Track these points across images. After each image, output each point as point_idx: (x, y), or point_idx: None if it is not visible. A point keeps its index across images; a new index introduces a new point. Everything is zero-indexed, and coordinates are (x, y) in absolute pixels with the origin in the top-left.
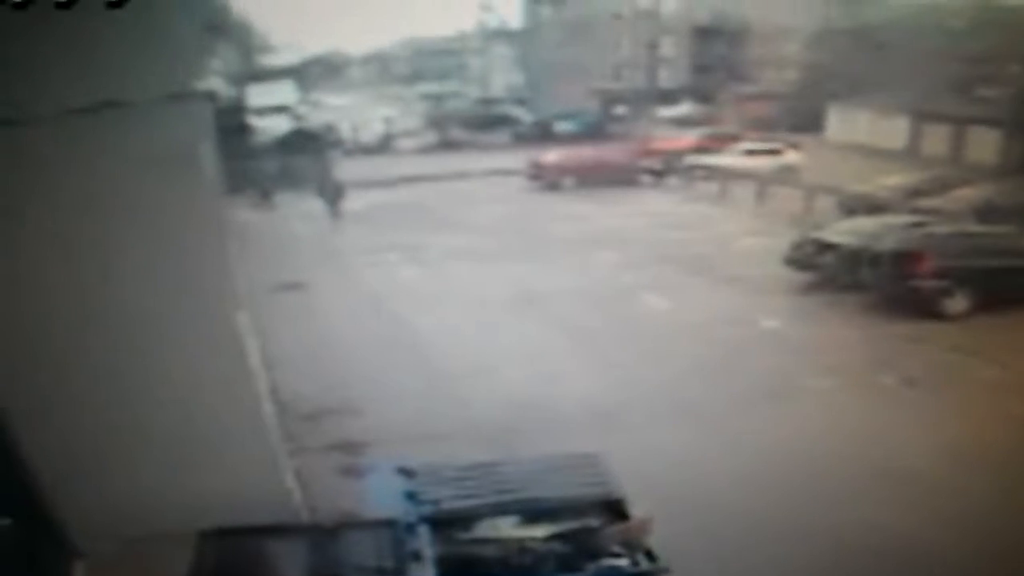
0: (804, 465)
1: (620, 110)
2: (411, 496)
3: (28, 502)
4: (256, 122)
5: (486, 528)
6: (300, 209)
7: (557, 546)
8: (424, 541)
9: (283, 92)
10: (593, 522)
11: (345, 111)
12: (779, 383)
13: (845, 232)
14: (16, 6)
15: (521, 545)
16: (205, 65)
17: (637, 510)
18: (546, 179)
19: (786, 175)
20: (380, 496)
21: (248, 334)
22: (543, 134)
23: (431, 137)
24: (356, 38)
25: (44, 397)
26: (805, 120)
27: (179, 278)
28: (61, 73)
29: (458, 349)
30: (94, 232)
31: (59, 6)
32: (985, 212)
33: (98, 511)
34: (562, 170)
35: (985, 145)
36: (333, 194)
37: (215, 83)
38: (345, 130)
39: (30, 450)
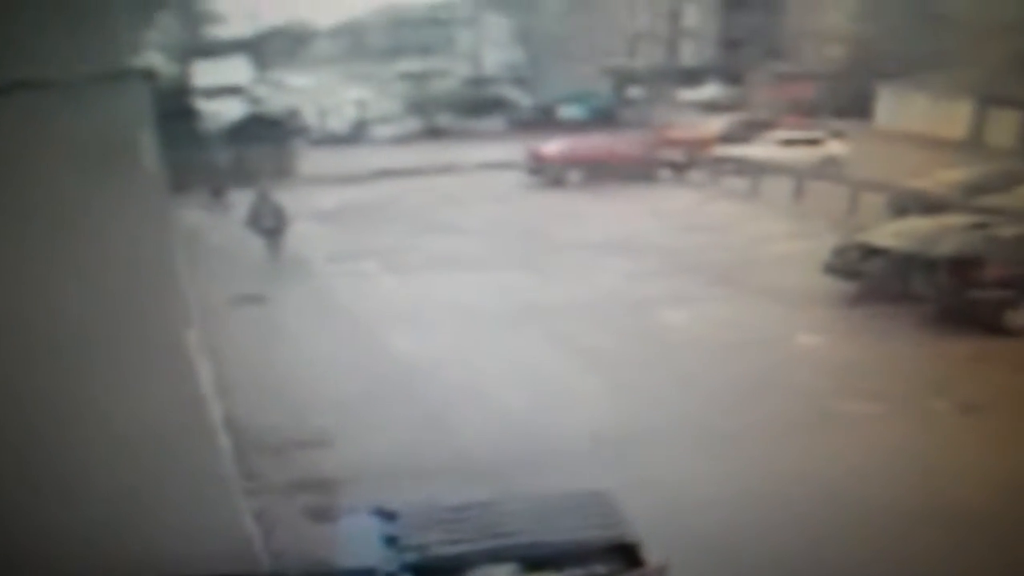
0: (846, 506)
1: (635, 92)
2: (392, 541)
3: None
4: (205, 106)
5: None
6: None
7: None
8: None
9: (236, 70)
10: (602, 570)
11: (311, 93)
12: (817, 410)
13: (895, 235)
14: None
15: None
16: (142, 38)
17: (653, 556)
18: (548, 173)
19: (828, 169)
20: (355, 542)
21: (200, 355)
22: (545, 120)
23: (412, 124)
24: (323, 5)
25: None
26: (851, 104)
27: (117, 291)
28: None
29: (446, 372)
30: (11, 237)
31: None
32: None
33: (28, 557)
34: (567, 163)
35: None
36: (273, 221)
37: (154, 59)
38: (311, 115)
39: None
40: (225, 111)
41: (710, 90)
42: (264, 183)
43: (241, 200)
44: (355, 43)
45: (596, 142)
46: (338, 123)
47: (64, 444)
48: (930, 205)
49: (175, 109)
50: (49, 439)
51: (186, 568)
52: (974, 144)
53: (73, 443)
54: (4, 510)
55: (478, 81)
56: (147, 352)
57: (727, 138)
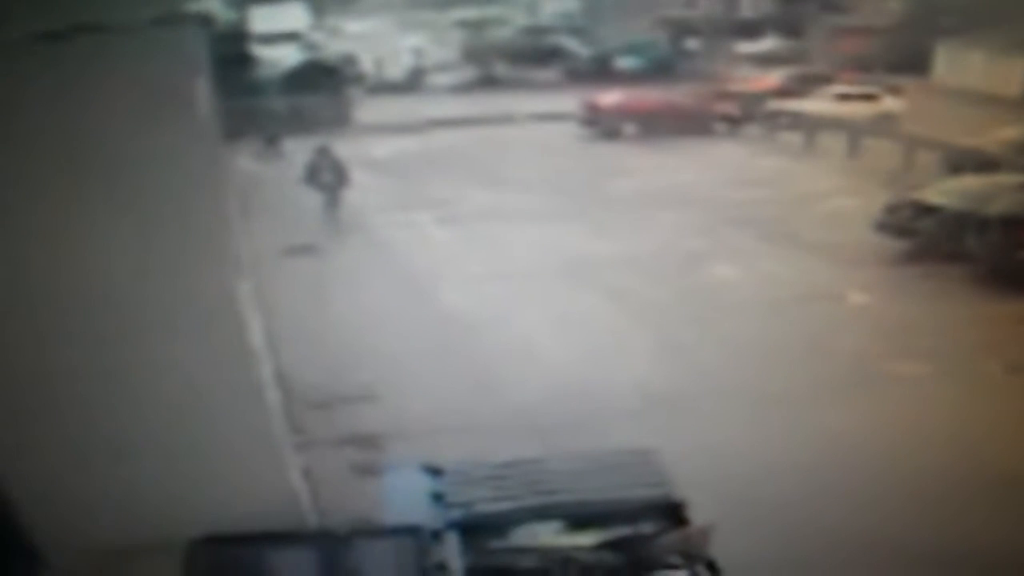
0: (894, 469)
1: (693, 44)
2: (438, 498)
3: None
4: (261, 52)
5: (524, 535)
6: None
7: (606, 556)
8: (452, 550)
9: (293, 16)
10: (647, 529)
11: (367, 40)
12: (868, 369)
13: (949, 193)
14: None
15: (565, 555)
16: None
17: (698, 516)
18: (604, 125)
19: (883, 125)
20: (401, 498)
21: (251, 308)
22: (601, 71)
23: (468, 73)
24: None
25: (7, 383)
26: (908, 60)
27: (169, 241)
28: None
29: (495, 327)
30: (67, 184)
31: None
32: None
33: (71, 518)
34: (623, 115)
35: None
36: (333, 177)
37: (211, 4)
38: (367, 63)
39: None
40: (281, 57)
41: (767, 43)
42: (324, 138)
43: (295, 149)
44: None
45: (652, 94)
46: (394, 71)
47: (112, 398)
48: (984, 163)
49: (231, 55)
50: (96, 392)
51: (234, 523)
52: None
53: (121, 396)
54: (54, 467)
55: (535, 30)
56: (197, 304)
57: (783, 92)
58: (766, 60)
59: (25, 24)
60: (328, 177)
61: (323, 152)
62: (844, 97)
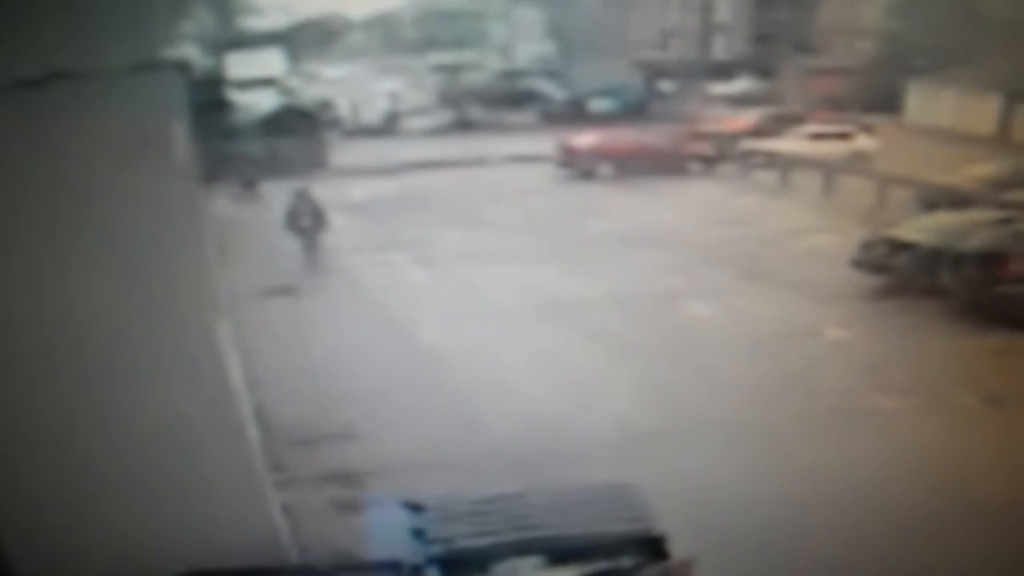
0: (873, 501)
1: (667, 86)
2: (419, 534)
3: None
4: (238, 97)
5: (505, 570)
6: (289, 201)
7: None
8: None
9: (269, 62)
10: (628, 563)
11: (343, 84)
12: (845, 404)
13: (924, 229)
14: None
15: None
16: (176, 29)
17: (679, 549)
18: (579, 166)
19: (857, 163)
20: (383, 534)
21: (230, 347)
22: (576, 113)
23: (444, 116)
24: None
25: None
26: (881, 99)
27: (150, 282)
28: (3, 38)
29: (473, 365)
30: (47, 228)
31: None
32: None
33: (56, 556)
34: (598, 156)
35: None
36: (312, 221)
37: (189, 51)
38: (343, 107)
39: None
40: (258, 102)
41: (741, 84)
42: (301, 181)
43: (272, 191)
44: (388, 35)
45: (627, 135)
46: (370, 115)
47: (94, 437)
48: (958, 200)
49: (208, 100)
50: (79, 432)
51: (215, 560)
52: (1002, 140)
53: (103, 436)
54: (38, 506)
55: (510, 74)
56: (178, 344)
57: (757, 132)
58: (740, 101)
59: (3, 71)
60: (307, 221)
61: (302, 196)
62: (818, 136)
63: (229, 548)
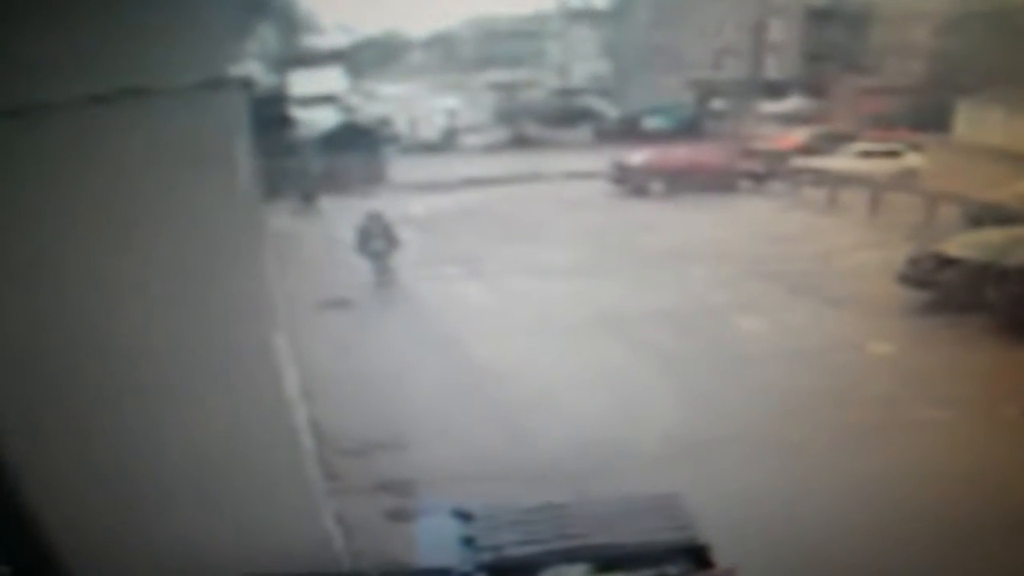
0: (918, 514)
1: (719, 104)
2: (468, 542)
3: (32, 551)
4: (299, 114)
5: None
6: (348, 216)
7: None
8: None
9: (331, 79)
10: (673, 571)
11: (402, 102)
12: (890, 417)
13: (969, 245)
14: None
15: None
16: (241, 47)
17: (723, 559)
18: (632, 183)
19: (905, 180)
20: (432, 542)
21: (286, 359)
22: (630, 131)
23: (501, 133)
24: (416, 17)
25: (48, 427)
26: (930, 118)
27: (209, 295)
28: (74, 55)
29: (524, 378)
30: (110, 241)
31: None
32: None
33: (110, 562)
34: (651, 173)
35: None
36: (384, 244)
37: (252, 68)
38: (402, 124)
39: (34, 494)
40: (319, 119)
41: (792, 103)
42: (360, 197)
43: (332, 207)
44: (446, 54)
45: (679, 153)
46: (428, 132)
47: (152, 447)
48: (1005, 217)
49: (271, 117)
50: (136, 441)
51: (268, 567)
52: None
53: (161, 444)
54: (95, 515)
55: (565, 92)
56: (236, 357)
57: (808, 150)
58: (791, 119)
59: (73, 87)
60: (379, 244)
61: (375, 218)
62: (867, 154)
63: (283, 555)
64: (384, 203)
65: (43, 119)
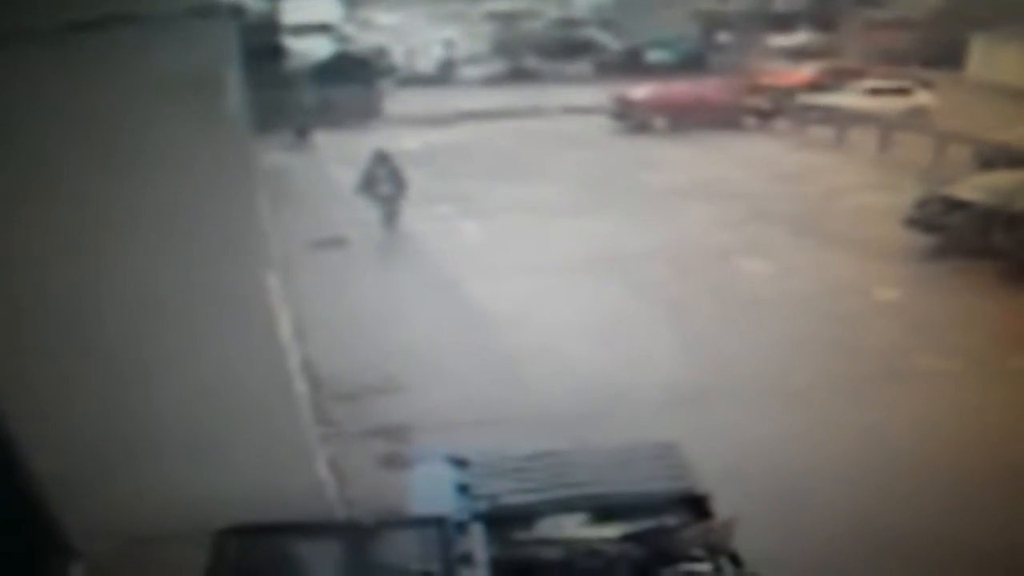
0: (919, 465)
1: (725, 37)
2: (463, 489)
3: (22, 498)
4: (292, 44)
5: (549, 527)
6: (343, 151)
7: (630, 548)
8: (477, 541)
9: (325, 8)
10: (671, 521)
11: (398, 32)
12: (894, 366)
13: (979, 188)
14: None
15: (589, 546)
16: None
17: (721, 509)
18: (634, 118)
19: (915, 119)
20: (427, 489)
21: (280, 301)
22: (632, 64)
23: (499, 65)
24: None
25: (39, 376)
26: (942, 53)
27: (199, 232)
28: None
29: (521, 320)
30: (95, 175)
31: None
32: None
33: (100, 508)
34: (653, 108)
35: None
36: (391, 187)
37: None
38: (398, 55)
39: (23, 438)
40: (313, 49)
41: (800, 37)
42: (354, 130)
43: (326, 141)
44: None
45: (683, 88)
46: (425, 63)
47: (141, 389)
48: (1017, 159)
49: (262, 46)
50: (125, 385)
51: (261, 514)
52: None
53: (150, 388)
54: (86, 461)
55: (566, 23)
56: (227, 296)
57: (815, 86)
58: (798, 54)
59: (57, 14)
60: (386, 188)
61: (381, 159)
62: (876, 91)
63: (275, 502)
64: (380, 137)
65: (27, 46)
